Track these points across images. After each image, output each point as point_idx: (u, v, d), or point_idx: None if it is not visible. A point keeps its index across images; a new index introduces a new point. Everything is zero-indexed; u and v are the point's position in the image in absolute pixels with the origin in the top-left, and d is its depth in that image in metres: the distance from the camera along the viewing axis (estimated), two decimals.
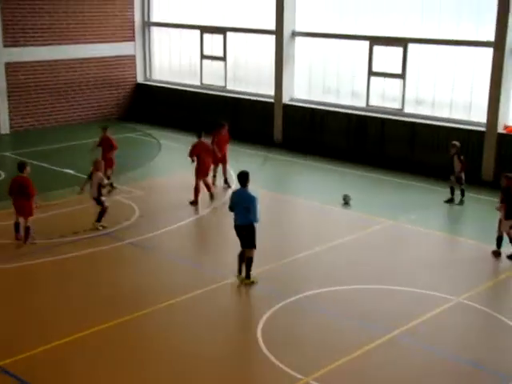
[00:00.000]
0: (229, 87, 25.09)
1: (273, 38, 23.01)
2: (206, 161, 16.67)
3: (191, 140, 17.60)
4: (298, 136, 22.66)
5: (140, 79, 27.73)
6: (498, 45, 18.11)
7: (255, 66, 24.46)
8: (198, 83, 26.10)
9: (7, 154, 21.25)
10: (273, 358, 9.62)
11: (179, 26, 26.61)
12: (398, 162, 20.17)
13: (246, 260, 11.84)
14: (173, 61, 27.40)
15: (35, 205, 13.94)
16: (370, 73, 21.20)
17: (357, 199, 16.74)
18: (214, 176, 17.77)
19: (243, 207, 11.57)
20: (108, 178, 16.92)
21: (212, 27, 25.35)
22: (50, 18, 24.61)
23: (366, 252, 13.75)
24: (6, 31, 23.58)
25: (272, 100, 23.22)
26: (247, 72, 24.80)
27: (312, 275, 12.60)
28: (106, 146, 17.45)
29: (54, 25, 24.76)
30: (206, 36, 25.58)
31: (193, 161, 16.58)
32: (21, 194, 13.75)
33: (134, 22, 26.99)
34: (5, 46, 23.63)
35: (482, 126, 18.88)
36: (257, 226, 11.85)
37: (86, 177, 15.12)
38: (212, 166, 17.40)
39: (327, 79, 22.68)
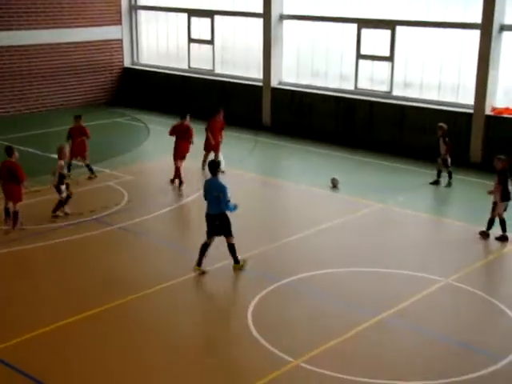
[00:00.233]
0: (217, 71, 25.00)
1: (261, 21, 22.91)
2: (179, 143, 16.79)
3: None
4: (287, 119, 22.65)
5: (127, 63, 27.56)
6: (486, 27, 18.13)
7: (243, 49, 24.37)
8: (186, 67, 25.99)
9: None
10: (263, 341, 9.67)
11: (166, 9, 26.46)
12: (387, 145, 20.21)
13: (228, 247, 11.86)
14: (160, 44, 27.25)
15: (25, 190, 13.91)
16: (359, 56, 21.17)
17: (345, 182, 16.79)
18: (204, 161, 17.69)
19: (214, 196, 11.63)
20: (88, 166, 17.04)
21: (199, 10, 25.20)
22: (35, 2, 24.37)
23: (354, 235, 13.81)
24: None
25: (260, 83, 23.17)
26: (235, 56, 24.71)
27: (302, 258, 12.65)
28: (78, 134, 17.07)
29: (39, 9, 24.53)
30: (194, 19, 25.43)
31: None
32: (10, 179, 13.72)
33: (120, 5, 26.78)
34: None
35: (469, 108, 18.93)
36: (230, 213, 11.73)
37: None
38: (204, 153, 17.45)
39: (315, 62, 22.63)
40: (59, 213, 14.47)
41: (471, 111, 18.83)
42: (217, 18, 24.72)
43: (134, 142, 21.03)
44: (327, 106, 21.66)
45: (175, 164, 16.72)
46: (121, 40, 27.18)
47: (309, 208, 15.52)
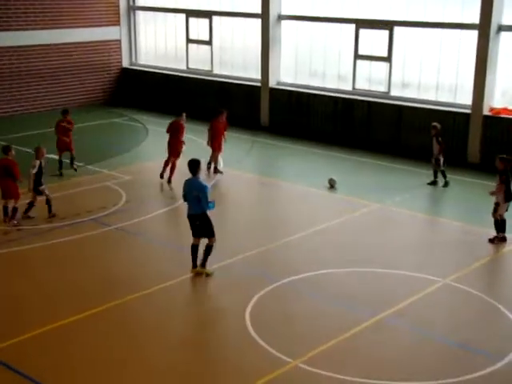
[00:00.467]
0: (215, 71, 25.01)
1: (259, 21, 22.93)
2: (172, 141, 16.91)
3: None
4: (285, 120, 22.66)
5: (126, 64, 27.57)
6: (483, 27, 18.16)
7: (241, 50, 24.38)
8: (184, 67, 26.00)
9: None
10: (261, 342, 9.67)
11: (165, 9, 26.47)
12: (385, 145, 20.23)
13: (205, 247, 11.69)
14: (159, 45, 27.25)
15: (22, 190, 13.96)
16: (356, 56, 21.18)
17: (343, 182, 16.80)
18: (210, 163, 17.67)
19: (194, 196, 11.57)
20: (73, 159, 17.25)
21: (198, 11, 25.21)
22: (33, 2, 24.37)
23: (352, 235, 13.82)
24: None
25: (258, 84, 23.18)
26: (233, 56, 24.72)
27: (300, 259, 12.65)
28: (66, 129, 17.21)
29: (38, 9, 24.54)
30: (192, 20, 25.44)
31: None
32: (6, 176, 13.80)
33: (119, 5, 26.79)
34: None
35: (467, 109, 18.95)
36: (210, 212, 11.67)
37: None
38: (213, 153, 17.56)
39: (313, 63, 22.64)
40: (30, 214, 14.32)
41: (469, 111, 18.85)
42: (215, 18, 24.72)
43: (133, 143, 21.04)
44: (325, 107, 21.67)
45: (171, 162, 16.80)
46: (119, 40, 27.19)
47: (306, 208, 15.52)
